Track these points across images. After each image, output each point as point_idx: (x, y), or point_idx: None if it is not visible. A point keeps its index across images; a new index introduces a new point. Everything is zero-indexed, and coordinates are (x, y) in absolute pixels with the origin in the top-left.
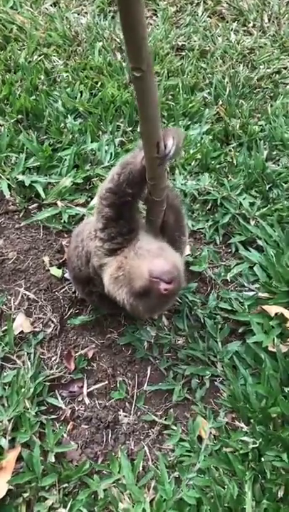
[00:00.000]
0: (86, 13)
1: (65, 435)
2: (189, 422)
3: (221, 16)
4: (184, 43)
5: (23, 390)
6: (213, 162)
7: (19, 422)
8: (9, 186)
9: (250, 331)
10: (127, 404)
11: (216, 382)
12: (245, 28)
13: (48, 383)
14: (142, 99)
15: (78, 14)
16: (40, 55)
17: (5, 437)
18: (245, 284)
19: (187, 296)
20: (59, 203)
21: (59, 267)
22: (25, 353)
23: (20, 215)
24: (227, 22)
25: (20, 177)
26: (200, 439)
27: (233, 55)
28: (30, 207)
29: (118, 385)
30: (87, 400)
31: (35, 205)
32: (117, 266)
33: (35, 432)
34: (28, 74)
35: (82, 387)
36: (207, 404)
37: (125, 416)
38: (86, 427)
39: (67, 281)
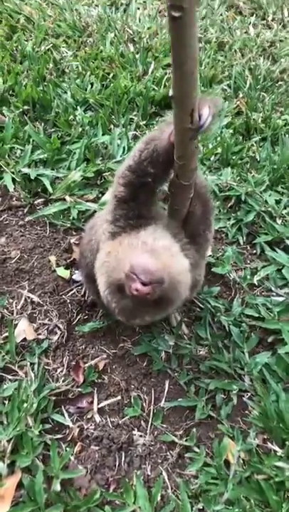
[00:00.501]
0: (97, 5)
1: (72, 458)
2: (214, 444)
3: (238, 9)
4: (200, 35)
5: (25, 405)
6: (234, 157)
7: (20, 443)
8: (13, 180)
9: (281, 340)
10: (142, 422)
11: (244, 398)
12: (264, 21)
13: (54, 398)
14: (178, 49)
15: (89, 6)
16: (48, 46)
17: (3, 461)
18: (273, 289)
19: (209, 301)
20: (67, 198)
21: (67, 268)
22: (28, 363)
23: (25, 211)
24: (245, 16)
25: (26, 170)
26: (227, 463)
27: (253, 47)
28: (35, 202)
29: (132, 400)
30: (97, 418)
31: (41, 200)
32: (108, 251)
33: (38, 454)
34: (35, 64)
35: (91, 402)
36: (234, 423)
37: (140, 436)
38: (96, 448)
39: (76, 284)
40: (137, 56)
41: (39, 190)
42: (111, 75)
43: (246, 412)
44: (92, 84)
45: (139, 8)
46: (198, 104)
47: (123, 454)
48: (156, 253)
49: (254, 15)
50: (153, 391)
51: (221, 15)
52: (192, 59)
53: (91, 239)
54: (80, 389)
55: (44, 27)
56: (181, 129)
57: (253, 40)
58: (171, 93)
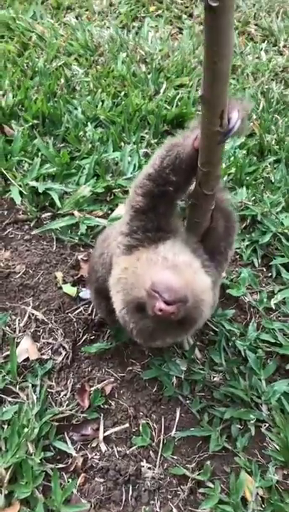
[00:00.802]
0: (109, 27)
1: (75, 491)
2: (230, 479)
3: (250, 36)
4: None
5: (25, 430)
6: (248, 178)
7: (19, 472)
8: (21, 193)
9: None
10: (151, 453)
11: (261, 429)
12: (276, 48)
13: (56, 423)
14: (213, 44)
15: (101, 28)
16: (59, 63)
17: (0, 491)
18: None
19: (223, 324)
20: (76, 213)
21: (73, 285)
22: (30, 385)
23: (32, 225)
24: (256, 42)
25: (34, 183)
26: (244, 501)
27: (265, 72)
28: (42, 216)
29: (141, 428)
30: (103, 447)
31: (48, 214)
32: (124, 267)
33: (39, 485)
34: (46, 79)
35: (97, 429)
36: (252, 456)
37: (149, 468)
38: (101, 480)
39: (83, 302)
40: (149, 76)
41: (47, 204)
42: (122, 93)
43: (264, 444)
44: (103, 101)
45: (150, 31)
46: (227, 107)
47: (130, 487)
48: (178, 269)
49: (265, 41)
50: (163, 419)
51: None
52: (228, 55)
53: (103, 252)
54: (84, 414)
55: (56, 45)
56: (209, 133)
57: (265, 65)
58: (201, 93)
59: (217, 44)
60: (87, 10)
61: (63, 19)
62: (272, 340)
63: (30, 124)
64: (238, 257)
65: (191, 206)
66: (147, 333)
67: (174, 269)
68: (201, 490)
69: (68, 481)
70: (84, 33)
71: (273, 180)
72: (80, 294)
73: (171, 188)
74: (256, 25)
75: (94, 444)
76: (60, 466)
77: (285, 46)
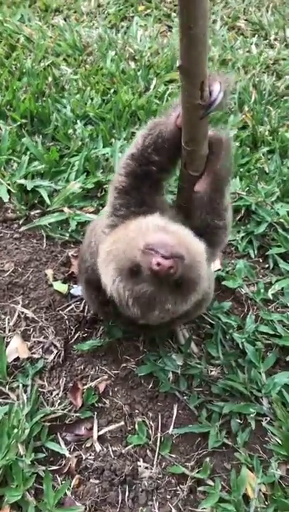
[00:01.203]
0: (97, 27)
1: (68, 493)
2: (231, 476)
3: (240, 31)
4: None
5: (15, 431)
6: (242, 169)
7: (9, 474)
8: (9, 192)
9: None
10: (148, 452)
11: (262, 423)
12: (267, 41)
13: (48, 424)
14: (187, 7)
15: (89, 28)
16: (47, 63)
17: None
18: None
19: (220, 317)
20: (66, 209)
21: (64, 282)
22: (21, 385)
23: (21, 223)
24: (246, 37)
25: (22, 181)
26: (246, 498)
27: (256, 65)
28: (32, 214)
29: (137, 427)
30: (97, 447)
31: (37, 211)
32: (113, 240)
33: (30, 487)
34: (34, 79)
35: (91, 429)
36: (253, 451)
37: (146, 468)
38: (96, 482)
39: (74, 299)
40: (139, 73)
41: (36, 202)
42: (112, 90)
43: (266, 438)
44: (92, 98)
45: (139, 30)
46: (208, 79)
47: (127, 488)
48: (170, 231)
49: (256, 35)
50: (160, 416)
51: (223, 35)
52: (203, 18)
53: (91, 241)
54: (78, 414)
55: (44, 46)
56: (190, 106)
57: (256, 58)
58: (178, 63)
59: (190, 6)
60: (75, 12)
61: (51, 21)
62: (272, 332)
63: (19, 123)
64: (233, 248)
65: (178, 190)
66: (144, 300)
67: (166, 231)
68: (201, 488)
69: (61, 483)
70: (72, 34)
71: (267, 171)
72: (72, 291)
73: (155, 168)
74: (246, 20)
75: (88, 444)
76: (53, 467)
77: (275, 39)
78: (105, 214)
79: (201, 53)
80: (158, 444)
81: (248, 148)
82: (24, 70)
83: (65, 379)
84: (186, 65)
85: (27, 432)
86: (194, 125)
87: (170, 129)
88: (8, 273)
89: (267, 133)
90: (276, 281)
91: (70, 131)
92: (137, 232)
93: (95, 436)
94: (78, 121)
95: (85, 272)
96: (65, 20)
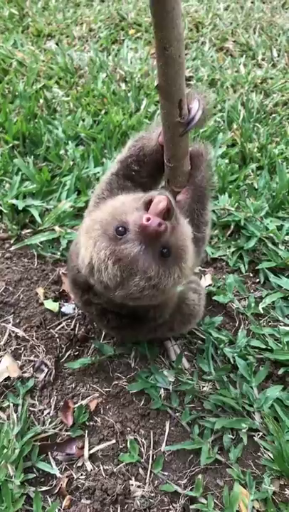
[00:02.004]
0: (89, 51)
1: None
2: (224, 493)
3: (228, 52)
4: (191, 74)
5: (5, 451)
6: (231, 186)
7: None
8: (0, 212)
9: None
10: (140, 470)
11: (254, 438)
12: (255, 61)
13: (39, 443)
14: (162, 29)
15: (81, 52)
16: (40, 85)
17: None
18: (280, 318)
19: (211, 332)
20: (57, 228)
21: (55, 300)
22: (11, 405)
23: (12, 242)
24: (235, 58)
25: (14, 201)
26: None
27: (245, 84)
28: (23, 233)
29: (129, 444)
30: (88, 466)
31: (29, 231)
32: (100, 210)
33: (20, 509)
34: (26, 102)
35: (82, 448)
36: (246, 467)
37: (139, 486)
38: (88, 502)
39: (65, 317)
40: (129, 94)
41: (27, 221)
42: (103, 111)
43: (258, 454)
44: (83, 119)
45: (130, 52)
46: (186, 97)
47: (119, 508)
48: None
49: (244, 56)
50: (152, 434)
51: (212, 56)
52: (178, 40)
53: (78, 240)
54: (69, 433)
55: (36, 69)
56: (170, 124)
57: (244, 77)
58: (156, 82)
59: (165, 29)
60: (67, 36)
61: (44, 46)
62: (263, 346)
63: (11, 144)
64: (224, 263)
65: None
66: (126, 262)
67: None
68: (194, 506)
69: (52, 504)
70: (64, 57)
71: (256, 187)
72: (63, 309)
73: (136, 175)
74: (234, 41)
75: (79, 463)
76: (43, 488)
77: (263, 59)
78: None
79: (177, 73)
80: (150, 461)
81: (237, 165)
82: (17, 93)
83: (56, 397)
84: (164, 85)
85: (17, 451)
86: (175, 142)
87: (152, 145)
88: None
89: (255, 150)
90: (267, 295)
91: (62, 151)
92: (124, 201)
93: (86, 455)
94: (70, 141)
95: (71, 270)
96: (57, 44)
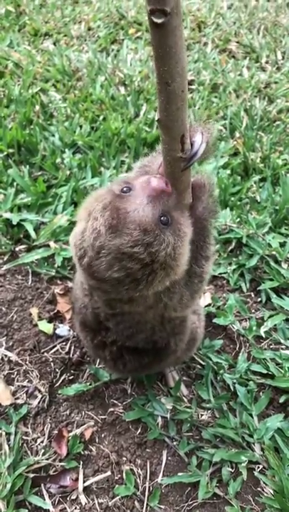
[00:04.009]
0: (87, 51)
1: None
2: None
3: (231, 53)
4: (193, 78)
5: None
6: (233, 198)
7: None
8: None
9: None
10: (136, 503)
11: (255, 472)
12: (258, 64)
13: (32, 475)
14: (164, 63)
15: (79, 52)
16: (36, 89)
17: None
18: (282, 341)
19: (210, 356)
20: (52, 244)
21: (50, 321)
22: (3, 433)
23: (5, 259)
24: (238, 60)
25: (8, 215)
26: None
27: (248, 89)
28: (17, 249)
29: (124, 476)
30: (83, 499)
31: (23, 246)
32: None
33: None
34: (21, 107)
35: (76, 479)
36: (245, 502)
37: None
38: None
39: (60, 339)
40: (128, 98)
41: (22, 236)
42: (101, 117)
43: (258, 488)
44: (81, 126)
45: (130, 53)
46: (189, 131)
47: None
48: None
49: (247, 58)
50: (148, 464)
51: (214, 58)
52: (180, 75)
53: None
54: (63, 463)
55: (32, 72)
56: (171, 159)
57: (247, 81)
58: (157, 116)
59: (167, 64)
60: (65, 35)
61: (40, 46)
62: (264, 371)
63: (6, 153)
64: (225, 282)
65: None
66: (125, 210)
67: None
68: None
69: None
70: (61, 59)
71: (259, 200)
72: (57, 331)
73: None
74: (237, 42)
75: (73, 496)
76: None
77: (267, 62)
78: None
79: (179, 108)
80: (146, 494)
81: (239, 177)
82: (12, 98)
83: (50, 425)
84: (165, 120)
85: (9, 486)
86: (177, 177)
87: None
88: None
89: (258, 160)
90: (269, 316)
91: (58, 160)
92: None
93: (81, 488)
94: (66, 149)
95: (79, 313)
96: (54, 44)
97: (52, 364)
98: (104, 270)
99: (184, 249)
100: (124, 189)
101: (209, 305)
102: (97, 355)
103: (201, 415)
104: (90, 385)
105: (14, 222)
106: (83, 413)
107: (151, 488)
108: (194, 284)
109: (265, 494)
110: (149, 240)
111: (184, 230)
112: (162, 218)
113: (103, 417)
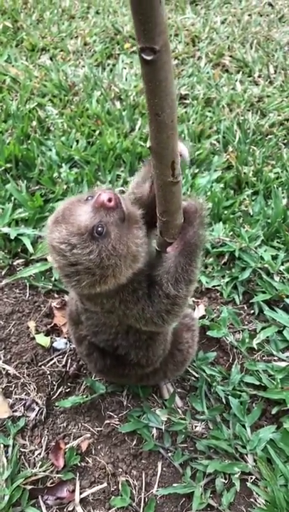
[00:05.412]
0: (83, 66)
1: None
2: None
3: (224, 67)
4: (187, 92)
5: None
6: (226, 212)
7: None
8: None
9: (287, 412)
10: None
11: (247, 483)
12: (251, 78)
13: (29, 487)
14: (154, 96)
15: (76, 67)
16: (33, 104)
17: None
18: (274, 352)
19: (204, 369)
20: (49, 258)
21: (47, 334)
22: (2, 446)
23: (3, 273)
24: (231, 74)
25: (6, 230)
26: None
27: (241, 103)
28: (15, 263)
29: (120, 487)
30: (79, 510)
31: (21, 261)
32: None
33: None
34: (19, 122)
35: (73, 491)
36: None
37: None
38: None
39: (57, 352)
40: (124, 113)
41: (19, 250)
42: (97, 132)
43: (251, 499)
44: (77, 141)
45: (125, 68)
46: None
47: None
48: None
49: (240, 72)
50: (144, 475)
51: (208, 73)
52: (170, 106)
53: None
54: (60, 475)
55: (30, 87)
56: (162, 183)
57: (240, 95)
58: (148, 144)
59: (157, 96)
60: (61, 50)
61: (38, 61)
62: (257, 383)
63: (3, 168)
64: (218, 294)
65: (156, 252)
66: (65, 215)
67: None
68: None
69: None
70: (58, 74)
71: (252, 213)
72: (54, 344)
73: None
74: (231, 56)
75: (70, 508)
76: None
77: (259, 76)
78: None
79: (169, 137)
80: (142, 505)
81: (232, 191)
82: (9, 112)
83: (47, 437)
84: (156, 148)
85: (6, 498)
86: (168, 200)
87: (145, 197)
88: None
89: (251, 174)
90: (261, 328)
91: (55, 174)
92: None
93: (77, 499)
94: (63, 164)
95: (69, 305)
96: (51, 59)
97: (49, 377)
98: (51, 257)
99: (113, 262)
100: (88, 197)
101: (203, 317)
102: (78, 350)
103: (195, 427)
104: (87, 397)
105: (12, 237)
106: (80, 425)
107: (146, 499)
108: (162, 303)
109: (258, 505)
110: (74, 242)
111: (117, 247)
112: (98, 229)
113: (99, 428)
